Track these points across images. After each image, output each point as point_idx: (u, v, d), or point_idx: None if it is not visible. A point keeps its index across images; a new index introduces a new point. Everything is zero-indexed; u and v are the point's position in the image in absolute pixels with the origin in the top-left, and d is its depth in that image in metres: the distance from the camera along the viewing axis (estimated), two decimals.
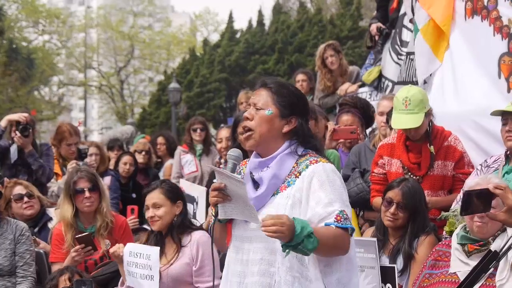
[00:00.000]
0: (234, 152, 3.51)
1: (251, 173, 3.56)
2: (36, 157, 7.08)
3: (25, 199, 6.36)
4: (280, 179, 3.47)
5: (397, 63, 7.73)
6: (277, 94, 3.51)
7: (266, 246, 3.45)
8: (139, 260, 4.98)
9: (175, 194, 5.27)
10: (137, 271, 4.98)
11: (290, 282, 3.39)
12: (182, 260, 5.10)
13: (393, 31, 8.00)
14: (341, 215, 3.37)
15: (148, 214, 5.18)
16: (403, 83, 6.90)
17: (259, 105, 3.52)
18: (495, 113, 4.97)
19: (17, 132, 7.02)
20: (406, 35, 7.65)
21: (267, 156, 3.53)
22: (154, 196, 5.19)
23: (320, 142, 3.63)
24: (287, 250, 3.26)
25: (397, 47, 7.73)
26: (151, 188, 5.28)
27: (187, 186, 7.26)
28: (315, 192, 3.39)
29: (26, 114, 7.17)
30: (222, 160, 7.54)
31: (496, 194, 3.56)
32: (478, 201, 3.58)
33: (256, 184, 3.53)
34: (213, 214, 3.61)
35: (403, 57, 7.52)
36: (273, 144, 3.51)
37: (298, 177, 3.46)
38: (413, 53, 6.90)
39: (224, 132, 7.76)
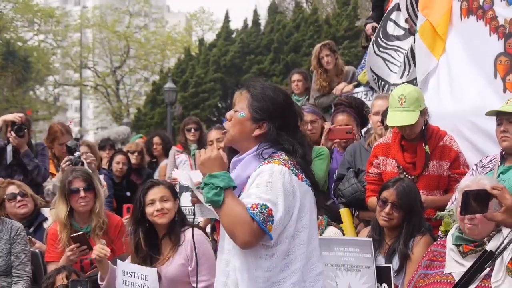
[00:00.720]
0: None
1: None
2: (31, 157, 7.06)
3: (18, 198, 6.34)
4: (243, 180, 3.47)
5: (378, 55, 7.69)
6: (253, 98, 3.53)
7: (224, 246, 3.51)
8: (135, 280, 4.96)
9: (175, 192, 5.32)
10: None
11: (234, 282, 3.41)
12: (177, 260, 5.08)
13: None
14: (259, 207, 3.25)
15: (155, 207, 5.11)
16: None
17: (237, 107, 3.58)
18: (490, 113, 4.97)
19: (12, 132, 7.00)
20: (392, 29, 7.63)
21: None
22: (161, 190, 5.19)
23: (298, 146, 3.48)
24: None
25: (379, 39, 7.69)
26: (153, 184, 5.27)
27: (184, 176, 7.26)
28: (250, 189, 3.36)
29: (21, 114, 7.14)
30: None
31: (493, 195, 3.51)
32: (475, 202, 3.53)
33: None
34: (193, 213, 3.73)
35: (387, 50, 7.50)
36: (246, 145, 3.53)
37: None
38: None
39: (214, 134, 7.61)
